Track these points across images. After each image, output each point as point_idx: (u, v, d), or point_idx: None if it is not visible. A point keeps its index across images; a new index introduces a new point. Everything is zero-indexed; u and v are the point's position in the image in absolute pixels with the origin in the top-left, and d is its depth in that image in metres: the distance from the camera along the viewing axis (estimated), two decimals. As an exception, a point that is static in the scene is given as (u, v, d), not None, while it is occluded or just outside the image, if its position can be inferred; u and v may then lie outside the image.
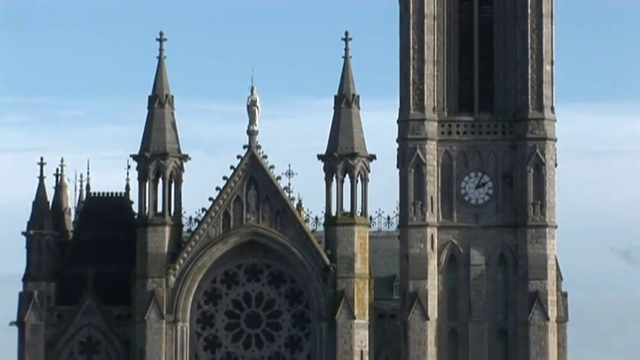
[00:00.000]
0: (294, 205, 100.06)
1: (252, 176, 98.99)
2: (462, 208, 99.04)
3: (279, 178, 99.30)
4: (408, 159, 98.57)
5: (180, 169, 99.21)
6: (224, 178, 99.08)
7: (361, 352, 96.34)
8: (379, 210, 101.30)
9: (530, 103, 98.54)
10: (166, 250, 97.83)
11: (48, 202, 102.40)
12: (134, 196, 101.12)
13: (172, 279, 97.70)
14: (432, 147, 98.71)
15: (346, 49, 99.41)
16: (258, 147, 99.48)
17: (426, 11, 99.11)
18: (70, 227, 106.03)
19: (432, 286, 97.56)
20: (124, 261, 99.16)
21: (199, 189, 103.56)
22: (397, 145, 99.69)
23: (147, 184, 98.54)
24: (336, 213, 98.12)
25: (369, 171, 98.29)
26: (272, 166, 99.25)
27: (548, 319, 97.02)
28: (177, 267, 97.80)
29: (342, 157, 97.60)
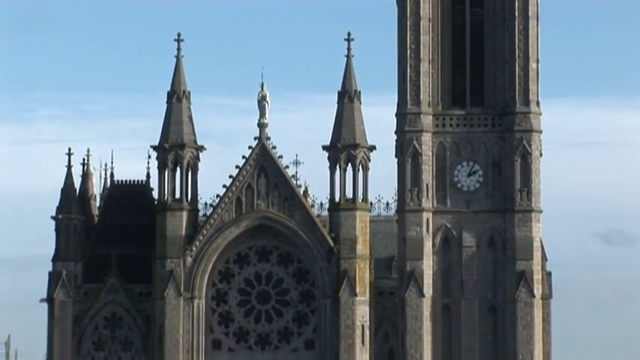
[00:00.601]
0: (301, 192, 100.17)
1: (263, 165, 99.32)
2: (455, 194, 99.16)
3: (287, 166, 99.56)
4: (406, 149, 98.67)
5: (197, 158, 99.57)
6: (236, 167, 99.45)
7: (362, 326, 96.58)
8: (379, 196, 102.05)
9: (517, 98, 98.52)
10: (184, 233, 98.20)
11: (75, 189, 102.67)
12: (154, 183, 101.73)
13: (189, 259, 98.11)
14: (427, 138, 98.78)
15: (348, 49, 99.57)
16: (268, 138, 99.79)
17: (421, 14, 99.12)
18: (96, 212, 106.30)
19: (427, 266, 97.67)
20: (144, 243, 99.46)
21: (214, 177, 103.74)
22: (395, 137, 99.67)
23: (166, 173, 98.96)
24: (340, 199, 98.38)
25: (369, 160, 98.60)
26: (280, 156, 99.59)
27: (533, 296, 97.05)
28: (194, 248, 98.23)
29: (344, 148, 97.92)
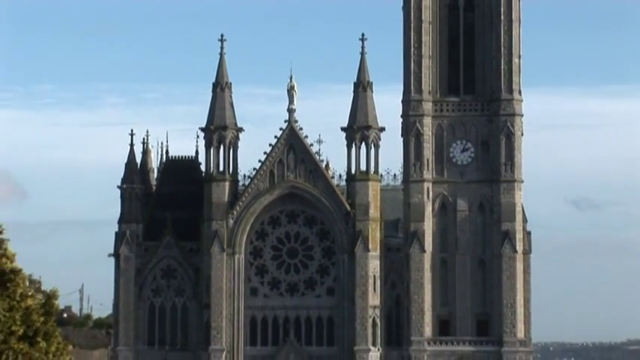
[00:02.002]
0: (323, 165, 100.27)
1: (291, 143, 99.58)
2: (451, 167, 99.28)
3: (311, 144, 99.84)
4: (410, 130, 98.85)
5: (237, 138, 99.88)
6: (269, 145, 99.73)
7: (374, 276, 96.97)
8: (388, 169, 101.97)
9: (502, 87, 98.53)
10: (226, 199, 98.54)
11: (136, 164, 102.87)
12: (202, 158, 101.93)
13: (231, 221, 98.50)
14: (427, 121, 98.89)
15: (362, 47, 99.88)
16: (296, 121, 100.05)
17: (423, 18, 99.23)
18: (153, 182, 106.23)
19: (428, 226, 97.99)
20: (194, 208, 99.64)
21: (251, 153, 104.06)
22: (401, 120, 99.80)
23: (211, 150, 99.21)
24: (355, 171, 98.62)
25: (380, 139, 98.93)
26: (306, 136, 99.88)
27: (516, 251, 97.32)
28: (235, 212, 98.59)
29: (359, 129, 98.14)
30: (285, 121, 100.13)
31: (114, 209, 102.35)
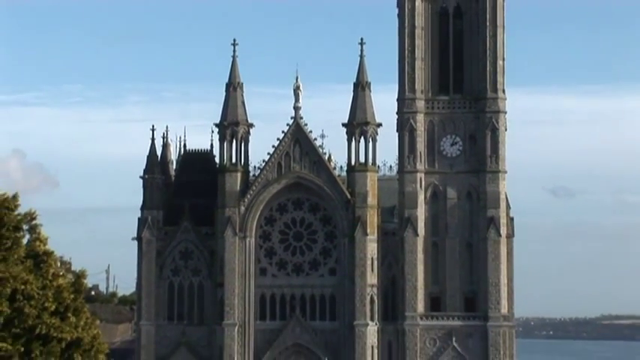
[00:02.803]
0: (326, 158, 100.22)
1: (297, 138, 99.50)
2: (441, 159, 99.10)
3: (315, 139, 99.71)
4: (404, 126, 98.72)
5: (248, 133, 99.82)
6: (277, 139, 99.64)
7: (372, 258, 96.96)
8: (384, 161, 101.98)
9: (488, 87, 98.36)
10: (238, 188, 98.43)
11: (157, 156, 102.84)
12: (216, 151, 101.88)
13: (242, 208, 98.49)
14: (420, 117, 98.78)
15: (361, 50, 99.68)
16: (301, 118, 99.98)
17: (416, 24, 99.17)
18: (172, 173, 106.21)
19: (420, 213, 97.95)
20: (209, 196, 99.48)
21: (260, 147, 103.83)
22: (396, 117, 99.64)
23: (225, 144, 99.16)
24: (355, 163, 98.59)
25: (377, 134, 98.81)
26: (310, 131, 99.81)
27: (500, 235, 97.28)
28: (246, 200, 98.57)
29: (358, 125, 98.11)
30: (292, 118, 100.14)
31: (137, 197, 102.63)
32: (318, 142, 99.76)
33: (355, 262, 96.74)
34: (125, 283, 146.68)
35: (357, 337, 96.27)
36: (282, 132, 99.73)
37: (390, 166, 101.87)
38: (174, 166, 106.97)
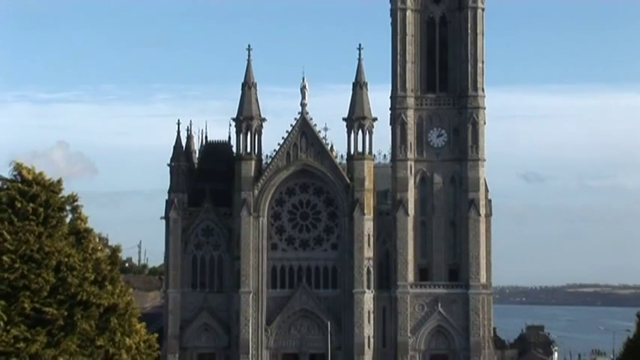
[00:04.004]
0: (329, 148, 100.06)
1: (303, 131, 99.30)
2: (429, 149, 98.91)
3: (319, 131, 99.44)
4: (397, 120, 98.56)
5: (261, 126, 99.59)
6: (286, 132, 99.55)
7: (368, 235, 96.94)
8: (379, 150, 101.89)
9: (469, 86, 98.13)
10: (252, 174, 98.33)
11: (182, 146, 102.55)
12: (233, 142, 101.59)
13: (256, 191, 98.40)
14: (410, 113, 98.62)
15: (359, 55, 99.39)
16: (307, 113, 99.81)
17: (407, 31, 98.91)
18: (195, 161, 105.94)
19: (411, 195, 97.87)
20: (227, 181, 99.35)
21: (272, 138, 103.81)
22: (390, 112, 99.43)
23: (241, 136, 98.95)
24: (354, 152, 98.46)
25: (373, 127, 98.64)
26: (315, 125, 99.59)
27: (479, 215, 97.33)
28: (259, 184, 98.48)
29: (357, 119, 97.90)
30: (299, 113, 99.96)
31: (164, 182, 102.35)
32: (321, 135, 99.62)
33: (354, 238, 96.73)
34: (154, 257, 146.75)
35: (355, 303, 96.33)
36: (291, 125, 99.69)
37: (384, 155, 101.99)
38: (196, 155, 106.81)
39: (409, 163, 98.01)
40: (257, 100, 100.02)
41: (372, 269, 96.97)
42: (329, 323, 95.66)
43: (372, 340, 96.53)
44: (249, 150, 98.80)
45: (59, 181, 33.36)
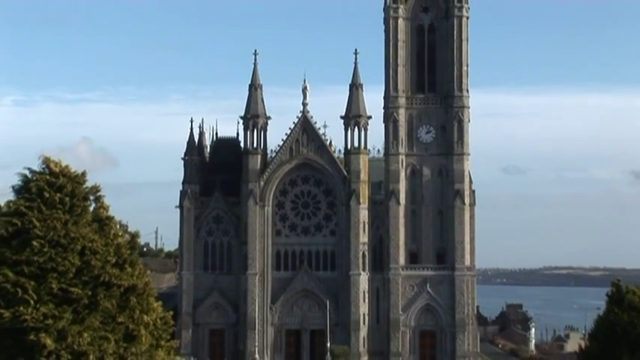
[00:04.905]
0: (328, 143, 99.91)
1: (305, 128, 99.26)
2: (418, 144, 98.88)
3: (319, 128, 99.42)
4: (389, 118, 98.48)
5: (266, 124, 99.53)
6: (289, 128, 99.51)
7: (363, 222, 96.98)
8: (373, 146, 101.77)
9: (455, 87, 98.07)
10: (258, 167, 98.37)
11: (195, 142, 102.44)
12: (241, 138, 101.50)
13: (262, 183, 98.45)
14: (402, 111, 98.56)
15: (355, 59, 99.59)
16: (308, 112, 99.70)
17: (399, 37, 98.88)
18: (207, 155, 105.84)
19: (402, 186, 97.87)
20: (236, 173, 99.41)
21: (276, 135, 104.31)
22: (383, 111, 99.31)
23: (248, 132, 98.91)
24: (350, 147, 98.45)
25: (368, 125, 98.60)
26: (315, 122, 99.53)
27: (464, 204, 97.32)
28: (264, 176, 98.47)
29: (353, 117, 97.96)
30: (300, 112, 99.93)
31: (179, 174, 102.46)
32: (321, 131, 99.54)
33: (350, 225, 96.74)
34: (170, 242, 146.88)
35: (352, 283, 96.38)
36: (293, 123, 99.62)
37: (378, 150, 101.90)
38: (208, 150, 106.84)
39: (401, 157, 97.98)
40: (262, 100, 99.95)
41: (366, 253, 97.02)
42: (328, 302, 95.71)
43: (366, 318, 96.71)
44: (255, 145, 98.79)
45: (83, 174, 33.36)
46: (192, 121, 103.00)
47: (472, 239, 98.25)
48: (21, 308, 30.58)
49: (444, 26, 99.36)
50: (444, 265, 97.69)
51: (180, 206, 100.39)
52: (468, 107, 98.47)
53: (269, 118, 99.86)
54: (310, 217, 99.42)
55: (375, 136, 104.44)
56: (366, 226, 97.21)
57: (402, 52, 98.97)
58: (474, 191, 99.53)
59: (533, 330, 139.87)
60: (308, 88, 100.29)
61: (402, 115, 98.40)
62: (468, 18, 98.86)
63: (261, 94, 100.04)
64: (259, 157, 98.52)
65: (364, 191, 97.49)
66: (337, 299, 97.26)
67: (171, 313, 35.79)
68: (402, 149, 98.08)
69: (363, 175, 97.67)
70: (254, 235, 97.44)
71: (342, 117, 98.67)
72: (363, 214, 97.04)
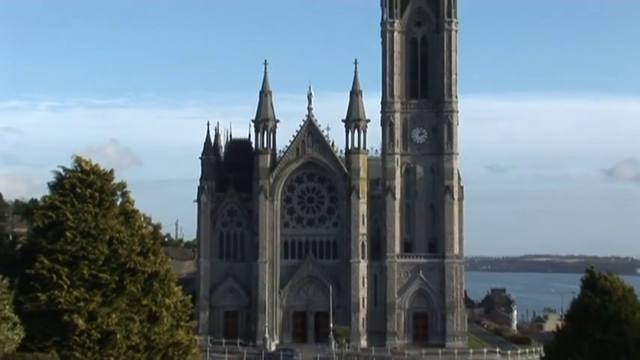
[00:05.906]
0: (331, 144, 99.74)
1: (310, 130, 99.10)
2: (412, 145, 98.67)
3: (323, 131, 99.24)
4: (386, 121, 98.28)
5: (275, 127, 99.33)
6: (296, 131, 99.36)
7: (362, 215, 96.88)
8: (372, 146, 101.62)
9: (445, 93, 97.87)
10: (268, 165, 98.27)
11: (211, 143, 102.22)
12: (253, 139, 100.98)
13: (271, 179, 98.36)
14: (397, 115, 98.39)
15: (355, 68, 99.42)
16: (313, 116, 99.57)
17: (394, 49, 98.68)
18: (222, 155, 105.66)
19: (398, 183, 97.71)
20: (248, 171, 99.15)
21: (284, 136, 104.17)
22: (380, 115, 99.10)
23: (259, 134, 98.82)
24: (351, 148, 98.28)
25: (367, 127, 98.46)
26: (319, 125, 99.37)
27: (453, 199, 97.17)
28: (274, 174, 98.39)
29: (353, 121, 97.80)
30: (306, 116, 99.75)
31: (197, 172, 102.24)
32: (325, 133, 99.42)
33: (351, 217, 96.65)
34: (188, 233, 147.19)
35: (352, 270, 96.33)
36: (299, 126, 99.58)
37: (376, 150, 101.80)
38: (223, 150, 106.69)
39: (396, 156, 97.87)
40: (272, 105, 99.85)
41: (365, 243, 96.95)
42: (331, 287, 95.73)
43: (365, 301, 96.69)
44: (265, 146, 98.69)
45: (111, 171, 33.50)
46: (208, 125, 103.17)
47: (460, 230, 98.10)
48: (56, 292, 30.71)
49: (435, 39, 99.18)
50: (435, 253, 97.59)
51: (198, 201, 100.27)
52: (457, 111, 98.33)
53: (278, 121, 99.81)
54: (315, 211, 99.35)
55: (373, 137, 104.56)
56: (365, 218, 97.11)
57: (397, 62, 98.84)
58: (462, 187, 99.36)
59: (515, 312, 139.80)
60: (313, 94, 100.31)
61: (397, 119, 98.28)
62: (457, 31, 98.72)
63: (271, 99, 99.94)
64: (269, 156, 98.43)
65: (363, 187, 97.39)
66: (339, 284, 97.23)
67: (190, 296, 35.83)
68: (397, 149, 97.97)
69: (363, 173, 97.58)
70: (264, 226, 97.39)
71: (343, 120, 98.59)
72: (363, 207, 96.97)
